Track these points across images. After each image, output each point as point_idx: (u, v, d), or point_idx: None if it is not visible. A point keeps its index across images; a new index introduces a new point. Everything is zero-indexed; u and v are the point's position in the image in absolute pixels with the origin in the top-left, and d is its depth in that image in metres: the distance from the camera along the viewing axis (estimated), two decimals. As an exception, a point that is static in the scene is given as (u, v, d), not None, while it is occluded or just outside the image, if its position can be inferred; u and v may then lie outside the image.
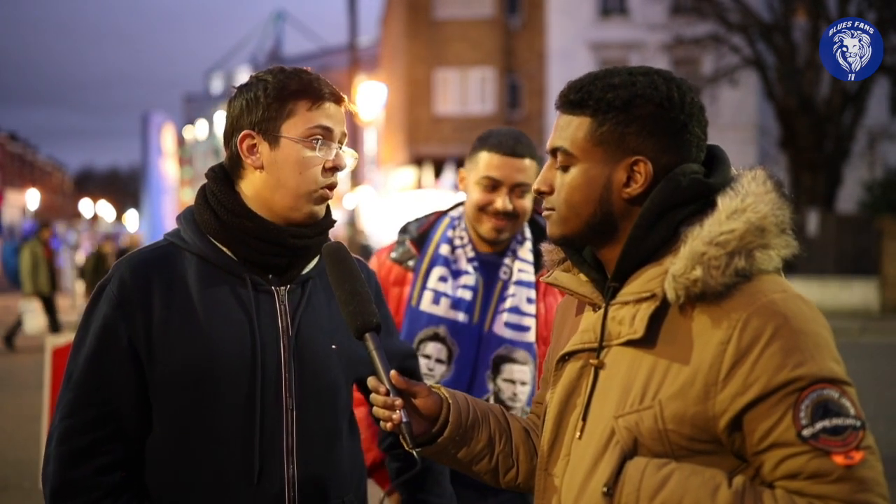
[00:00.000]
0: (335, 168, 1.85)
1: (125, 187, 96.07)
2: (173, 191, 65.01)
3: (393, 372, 1.64)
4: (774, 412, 1.34)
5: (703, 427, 1.39)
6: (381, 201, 33.02)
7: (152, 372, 1.77)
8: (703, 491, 1.35)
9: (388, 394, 1.63)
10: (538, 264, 2.66)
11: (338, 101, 1.87)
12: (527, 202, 2.61)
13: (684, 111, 1.50)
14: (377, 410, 1.64)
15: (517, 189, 2.59)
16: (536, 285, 2.65)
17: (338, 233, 27.90)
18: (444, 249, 2.68)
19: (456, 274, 2.66)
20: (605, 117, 1.50)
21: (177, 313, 1.77)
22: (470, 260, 2.67)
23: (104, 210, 64.81)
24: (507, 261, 2.67)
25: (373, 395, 1.64)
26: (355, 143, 25.55)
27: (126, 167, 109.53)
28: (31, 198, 47.26)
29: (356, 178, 23.93)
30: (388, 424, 1.62)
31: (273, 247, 1.83)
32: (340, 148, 1.87)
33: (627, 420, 1.44)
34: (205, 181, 1.92)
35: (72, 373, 1.79)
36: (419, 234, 2.74)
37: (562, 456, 1.57)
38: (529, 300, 2.63)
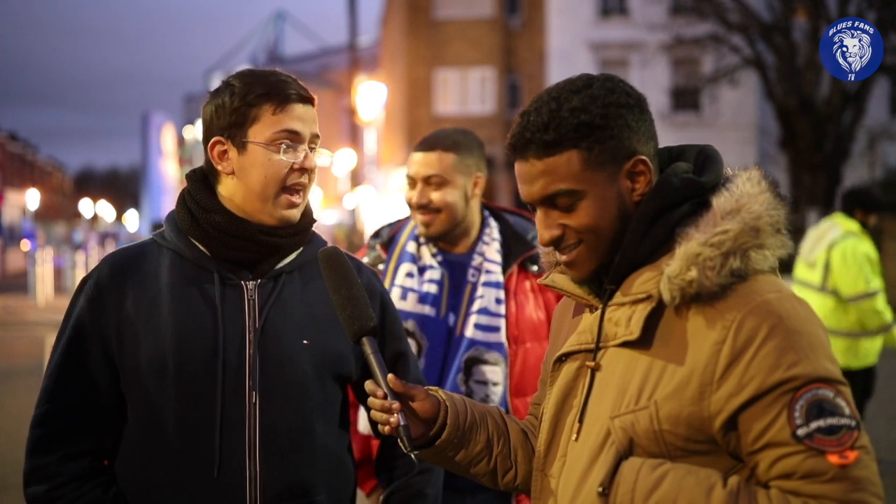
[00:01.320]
0: (303, 170, 1.86)
1: (125, 187, 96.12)
2: (173, 191, 64.91)
3: (390, 375, 1.64)
4: (769, 412, 1.35)
5: (698, 427, 1.40)
6: (381, 201, 33.02)
7: (122, 364, 1.82)
8: (698, 491, 1.36)
9: (385, 397, 1.62)
10: (506, 264, 2.70)
11: (306, 101, 1.88)
12: (445, 195, 2.65)
13: (633, 97, 1.51)
14: (375, 414, 1.63)
15: (430, 181, 2.65)
16: (505, 284, 2.68)
17: (338, 233, 27.90)
18: (411, 247, 2.74)
19: (422, 270, 2.71)
20: (590, 141, 1.48)
21: (145, 307, 1.82)
22: (434, 255, 2.72)
23: (104, 210, 64.83)
24: (474, 262, 2.71)
25: (370, 399, 1.64)
26: (355, 143, 25.53)
27: (126, 167, 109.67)
28: (31, 198, 47.25)
29: (356, 179, 23.93)
30: (386, 428, 1.62)
31: (241, 241, 1.85)
32: (311, 149, 1.88)
33: (623, 420, 1.45)
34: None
35: (51, 362, 1.85)
36: (389, 237, 2.81)
37: (558, 457, 1.57)
38: (498, 300, 2.66)
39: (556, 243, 1.54)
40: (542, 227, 1.54)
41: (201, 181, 1.92)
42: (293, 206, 1.87)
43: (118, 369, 1.83)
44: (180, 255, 1.87)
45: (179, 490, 1.79)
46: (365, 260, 2.77)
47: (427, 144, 2.69)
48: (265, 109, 1.83)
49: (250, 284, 1.87)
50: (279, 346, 1.86)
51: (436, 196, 2.65)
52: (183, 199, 1.92)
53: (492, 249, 2.72)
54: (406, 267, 2.71)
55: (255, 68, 1.93)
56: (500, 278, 2.68)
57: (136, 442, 1.83)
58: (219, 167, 1.88)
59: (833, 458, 1.32)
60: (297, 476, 1.86)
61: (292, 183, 1.85)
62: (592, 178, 1.49)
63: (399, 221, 2.87)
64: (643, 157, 1.50)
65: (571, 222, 1.51)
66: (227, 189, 1.89)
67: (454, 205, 2.66)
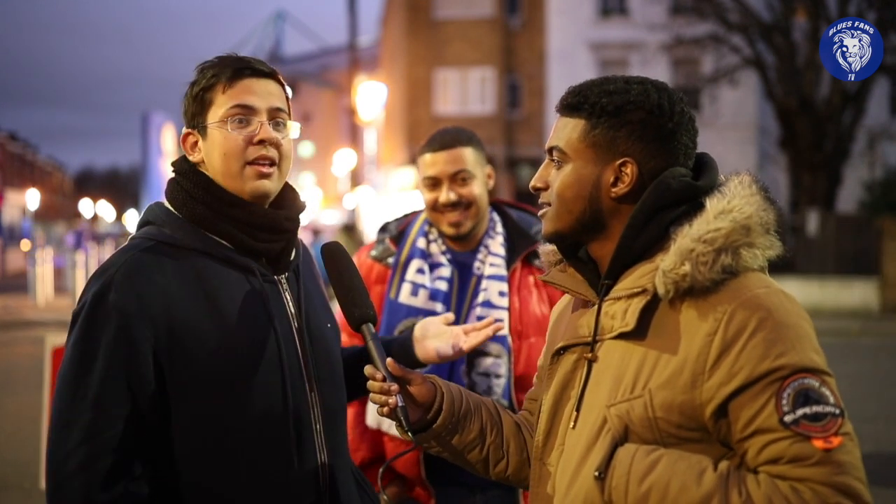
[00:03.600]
0: (262, 142, 1.82)
1: (125, 187, 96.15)
2: (173, 191, 64.70)
3: (389, 360, 1.74)
4: (758, 400, 1.40)
5: (690, 415, 1.45)
6: (381, 201, 33.03)
7: (178, 376, 1.72)
8: (690, 474, 1.41)
9: (384, 380, 1.73)
10: (510, 258, 2.72)
11: (261, 75, 1.85)
12: (472, 187, 2.67)
13: (673, 119, 1.58)
14: (374, 396, 1.73)
15: (456, 178, 2.66)
16: (509, 279, 2.70)
17: (334, 232, 27.90)
18: (421, 242, 2.75)
19: (433, 266, 2.72)
20: (598, 121, 1.59)
21: (195, 313, 1.73)
22: (444, 252, 2.74)
23: (104, 210, 64.85)
24: (479, 256, 2.73)
25: (369, 382, 1.74)
26: (355, 143, 25.55)
27: (126, 167, 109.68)
28: (31, 198, 47.26)
29: (356, 179, 23.93)
30: (385, 409, 1.72)
31: (269, 233, 1.84)
32: (275, 123, 1.85)
33: (619, 409, 1.50)
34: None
35: (84, 391, 1.67)
36: (398, 231, 2.81)
37: (556, 446, 1.63)
38: (501, 293, 2.67)
39: (538, 192, 1.67)
40: (537, 173, 1.68)
41: (196, 173, 1.86)
42: (262, 176, 1.82)
43: (168, 383, 1.72)
44: (205, 253, 1.80)
45: (258, 487, 1.77)
46: (373, 253, 2.79)
47: (444, 142, 2.69)
48: (217, 90, 1.83)
49: (282, 278, 1.89)
50: (319, 335, 1.92)
51: (465, 191, 2.66)
52: (186, 192, 1.84)
53: (496, 243, 2.74)
54: (417, 263, 2.71)
55: (223, 55, 1.90)
56: (504, 272, 2.70)
57: (198, 451, 1.74)
58: (191, 157, 1.87)
59: (818, 443, 1.37)
60: (347, 454, 1.99)
61: (255, 157, 1.81)
62: (583, 151, 1.60)
63: (407, 216, 2.87)
64: (634, 164, 1.57)
65: (552, 181, 1.64)
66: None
67: (481, 198, 2.69)
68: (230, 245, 1.83)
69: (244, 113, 1.82)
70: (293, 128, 1.89)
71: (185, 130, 1.89)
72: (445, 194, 2.65)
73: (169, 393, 1.73)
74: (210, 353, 1.73)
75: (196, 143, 1.86)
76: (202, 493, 1.75)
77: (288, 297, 1.87)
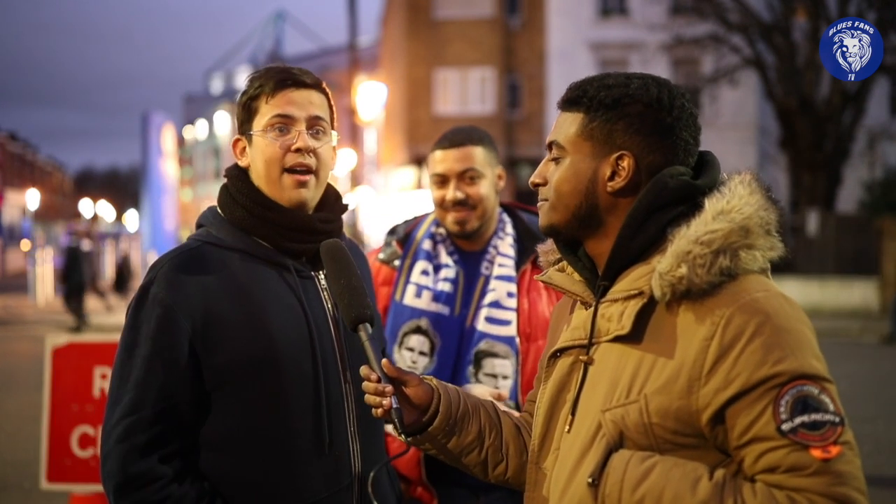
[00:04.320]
0: (300, 150, 1.94)
1: (125, 187, 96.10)
2: (173, 191, 64.91)
3: (384, 360, 1.73)
4: (755, 407, 1.38)
5: (686, 421, 1.43)
6: (381, 201, 33.03)
7: (213, 364, 1.85)
8: (684, 483, 1.38)
9: (379, 381, 1.70)
10: (520, 260, 2.71)
11: (302, 85, 1.98)
12: (479, 187, 2.66)
13: (672, 114, 1.55)
14: (368, 397, 1.71)
15: (464, 176, 2.65)
16: (518, 280, 2.69)
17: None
18: (427, 244, 2.74)
19: (437, 268, 2.71)
20: (595, 114, 1.57)
21: (231, 306, 1.87)
22: (450, 253, 2.73)
23: (104, 210, 64.84)
24: (488, 256, 2.72)
25: (364, 383, 1.72)
26: (355, 143, 25.53)
27: (126, 167, 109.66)
28: (31, 198, 47.26)
29: (356, 179, 23.94)
30: (379, 411, 1.69)
31: (303, 234, 1.96)
32: (314, 132, 1.97)
33: (614, 414, 1.48)
34: (218, 181, 2.03)
35: (128, 374, 1.84)
36: (405, 233, 2.80)
37: (552, 450, 1.61)
38: (510, 294, 2.66)
39: (537, 187, 1.66)
40: (537, 168, 1.66)
41: (244, 178, 2.00)
42: (300, 185, 1.95)
43: (204, 370, 1.86)
44: (246, 252, 1.93)
45: (288, 475, 1.88)
46: (381, 256, 2.80)
47: (456, 140, 2.69)
48: (262, 100, 1.97)
49: (320, 274, 1.99)
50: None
51: (472, 190, 2.66)
52: (231, 197, 1.99)
53: (505, 244, 2.73)
54: (421, 264, 2.71)
55: (271, 66, 2.04)
56: (513, 272, 2.69)
57: (234, 436, 1.87)
58: (240, 162, 2.02)
59: (816, 453, 1.34)
60: (380, 443, 2.08)
61: (292, 164, 1.94)
62: (580, 145, 1.58)
63: (416, 218, 2.87)
64: (631, 157, 1.55)
65: (550, 176, 1.62)
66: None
67: (488, 198, 2.69)
68: (269, 245, 1.95)
69: (284, 122, 1.95)
70: (333, 136, 2.02)
71: (236, 136, 2.04)
72: (452, 192, 2.65)
73: (205, 379, 1.86)
74: (243, 342, 1.85)
75: (244, 149, 2.02)
76: (234, 478, 1.87)
77: (326, 293, 1.98)
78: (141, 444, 1.81)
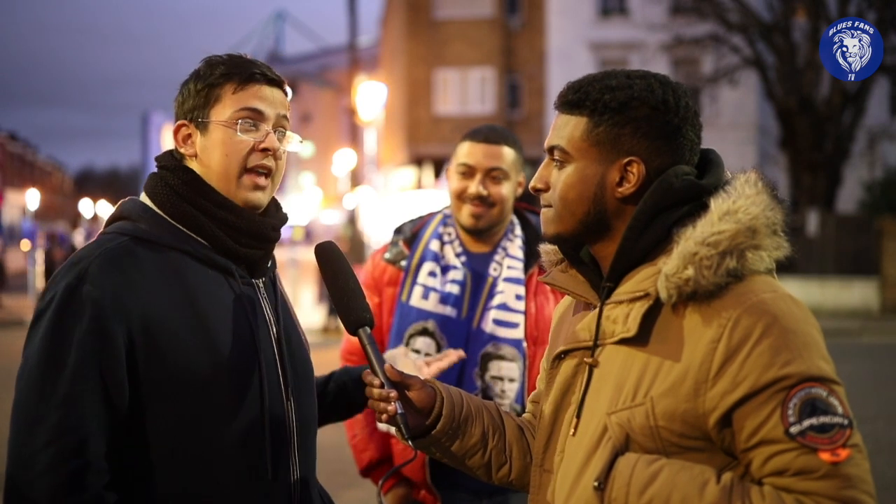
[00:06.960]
0: (266, 151, 1.78)
1: (125, 187, 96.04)
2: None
3: (387, 364, 1.69)
4: (763, 410, 1.36)
5: (693, 424, 1.41)
6: (381, 201, 33.02)
7: (152, 377, 1.65)
8: (692, 486, 1.37)
9: (382, 386, 1.67)
10: (528, 263, 2.69)
11: (272, 82, 1.82)
12: (503, 189, 2.65)
13: (678, 115, 1.53)
14: (372, 403, 1.68)
15: (491, 174, 2.64)
16: (526, 283, 2.68)
17: (338, 232, 27.89)
18: (435, 245, 2.72)
19: (445, 269, 2.69)
20: (601, 118, 1.53)
21: (172, 311, 1.67)
22: (458, 255, 2.71)
23: (104, 210, 64.74)
24: (496, 258, 2.70)
25: (367, 388, 1.69)
26: (355, 143, 25.52)
27: (126, 167, 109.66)
28: (31, 198, 47.23)
29: (356, 179, 23.93)
30: (384, 416, 1.66)
31: (254, 239, 1.79)
32: (279, 132, 1.82)
33: (620, 416, 1.46)
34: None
35: (52, 387, 1.59)
36: (412, 233, 2.78)
37: (556, 452, 1.59)
38: (518, 297, 2.65)
39: (539, 192, 1.62)
40: (537, 173, 1.62)
41: (187, 171, 1.79)
42: (258, 188, 1.79)
43: (141, 383, 1.65)
44: (190, 253, 1.74)
45: (230, 498, 1.71)
46: (387, 256, 2.77)
47: (491, 137, 2.68)
48: (227, 88, 1.78)
49: (261, 283, 1.83)
50: (294, 343, 1.87)
51: (495, 190, 2.65)
52: (174, 191, 1.77)
53: (514, 246, 2.72)
54: (429, 266, 2.69)
55: (232, 54, 1.86)
56: (521, 275, 2.68)
57: (167, 455, 1.66)
58: (182, 150, 1.81)
59: (825, 456, 1.33)
60: (314, 469, 1.90)
61: (255, 164, 1.78)
62: (586, 150, 1.54)
63: (422, 218, 2.84)
64: (640, 162, 1.52)
65: (553, 181, 1.58)
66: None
67: (507, 200, 2.68)
68: (210, 246, 1.77)
69: (254, 117, 1.78)
70: (292, 139, 1.86)
71: (179, 122, 1.82)
72: (476, 186, 2.63)
73: (142, 393, 1.65)
74: (186, 352, 1.66)
75: (190, 136, 1.80)
76: (174, 501, 1.67)
77: (266, 304, 1.82)
78: (74, 473, 1.56)
